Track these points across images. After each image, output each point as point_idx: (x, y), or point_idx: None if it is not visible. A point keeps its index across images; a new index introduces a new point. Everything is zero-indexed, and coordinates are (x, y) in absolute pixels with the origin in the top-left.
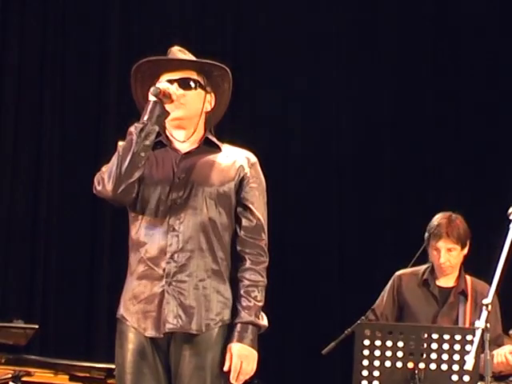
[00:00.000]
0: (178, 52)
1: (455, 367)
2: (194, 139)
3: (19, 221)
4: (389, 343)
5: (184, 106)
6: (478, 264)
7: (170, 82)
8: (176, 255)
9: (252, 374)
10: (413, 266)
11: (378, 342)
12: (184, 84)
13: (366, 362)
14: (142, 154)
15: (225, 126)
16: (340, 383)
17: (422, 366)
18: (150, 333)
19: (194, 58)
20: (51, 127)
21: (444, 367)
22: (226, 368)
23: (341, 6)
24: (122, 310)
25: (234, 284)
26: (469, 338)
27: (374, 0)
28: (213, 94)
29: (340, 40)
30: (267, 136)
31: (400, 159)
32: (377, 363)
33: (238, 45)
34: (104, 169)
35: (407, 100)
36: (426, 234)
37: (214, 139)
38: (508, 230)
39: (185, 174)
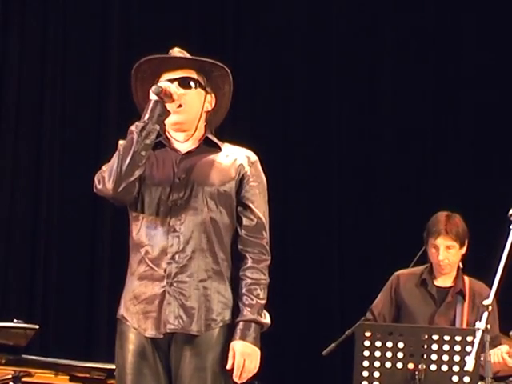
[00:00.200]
0: (178, 53)
1: (455, 368)
2: (194, 139)
3: (19, 221)
4: (389, 344)
5: (184, 108)
6: (478, 265)
7: (170, 81)
8: (177, 256)
9: (255, 372)
10: (413, 266)
11: (378, 343)
12: (184, 83)
13: (366, 363)
14: (143, 153)
15: (225, 127)
16: None
17: (422, 366)
18: (151, 333)
19: (194, 57)
20: (51, 127)
21: (444, 368)
22: (229, 366)
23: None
24: (122, 311)
25: (235, 284)
26: (469, 339)
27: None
28: (213, 95)
29: (340, 41)
30: (267, 135)
31: (400, 159)
32: (377, 364)
33: (238, 46)
34: (104, 167)
35: (407, 99)
36: (425, 232)
37: (214, 139)
38: (509, 231)
39: (185, 174)
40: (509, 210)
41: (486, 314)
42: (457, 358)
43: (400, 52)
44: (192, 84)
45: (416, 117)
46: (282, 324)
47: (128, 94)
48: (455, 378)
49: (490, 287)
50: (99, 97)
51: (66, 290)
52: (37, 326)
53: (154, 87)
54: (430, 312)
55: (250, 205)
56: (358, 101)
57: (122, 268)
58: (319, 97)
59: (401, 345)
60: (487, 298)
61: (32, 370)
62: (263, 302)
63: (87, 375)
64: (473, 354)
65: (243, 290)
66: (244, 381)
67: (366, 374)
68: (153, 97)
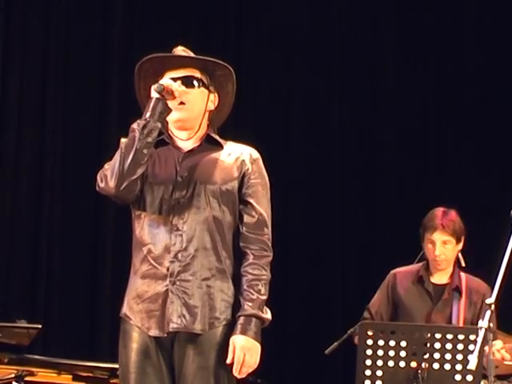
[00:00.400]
0: (181, 52)
1: (458, 367)
2: (197, 137)
3: (22, 220)
4: (392, 343)
5: (187, 107)
6: (480, 265)
7: (174, 79)
8: (180, 254)
9: (255, 367)
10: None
11: (380, 342)
12: (187, 82)
13: (368, 362)
14: (145, 151)
15: (227, 127)
16: (343, 383)
17: (425, 365)
18: (154, 332)
19: (197, 56)
20: (53, 127)
21: (447, 367)
22: (228, 360)
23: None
24: (125, 309)
25: (238, 281)
26: (472, 337)
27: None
28: (216, 95)
29: (341, 41)
30: (268, 135)
31: (401, 159)
32: (380, 363)
33: (239, 46)
34: (107, 166)
35: (406, 99)
36: (421, 228)
37: (217, 137)
38: (511, 230)
39: (187, 172)
40: (511, 209)
41: (488, 313)
42: (459, 357)
43: (400, 52)
44: (195, 83)
45: (416, 117)
46: (284, 322)
47: (130, 92)
48: (458, 377)
49: (493, 286)
50: (101, 96)
51: (68, 290)
52: (39, 326)
53: (155, 85)
54: (426, 309)
55: (251, 201)
56: (358, 100)
57: (124, 267)
58: (320, 96)
59: (403, 343)
60: (484, 294)
61: (35, 370)
62: (264, 297)
63: (90, 374)
64: (476, 353)
65: (244, 286)
66: (244, 376)
67: (368, 372)
68: (154, 94)
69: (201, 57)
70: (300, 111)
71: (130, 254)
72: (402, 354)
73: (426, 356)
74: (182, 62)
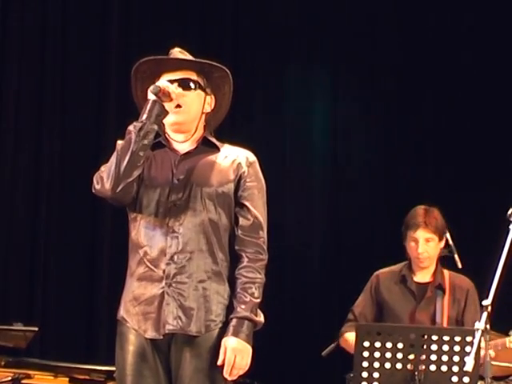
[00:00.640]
0: (178, 53)
1: (455, 368)
2: (193, 139)
3: (19, 222)
4: (388, 344)
5: (183, 109)
6: (478, 265)
7: (170, 82)
8: (176, 256)
9: (246, 369)
10: None
11: (377, 344)
12: (184, 84)
13: (365, 364)
14: (141, 154)
15: (224, 128)
16: None
17: (421, 367)
18: (150, 334)
19: (194, 59)
20: (51, 127)
21: (444, 368)
22: (219, 362)
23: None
24: (122, 312)
25: (234, 284)
26: (468, 339)
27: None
28: (213, 96)
29: (340, 40)
30: (265, 136)
31: (401, 159)
32: (376, 365)
33: (237, 46)
34: (103, 168)
35: (406, 98)
36: (403, 227)
37: (213, 139)
38: (508, 231)
39: (183, 175)
40: (508, 210)
41: (485, 315)
42: (456, 359)
43: (401, 52)
44: (192, 85)
45: (416, 116)
46: (281, 324)
47: (128, 93)
48: (455, 379)
49: (490, 287)
50: (99, 97)
51: (65, 292)
52: (36, 328)
53: (152, 87)
54: (410, 308)
55: (247, 204)
56: (358, 100)
57: (121, 269)
58: (319, 96)
59: (400, 345)
60: (468, 289)
61: (32, 372)
62: (258, 300)
63: (87, 377)
64: (472, 355)
65: (238, 289)
66: (235, 377)
67: (365, 374)
68: (151, 96)
69: (198, 59)
70: (297, 113)
71: (127, 257)
72: (399, 355)
73: (423, 358)
74: (179, 64)
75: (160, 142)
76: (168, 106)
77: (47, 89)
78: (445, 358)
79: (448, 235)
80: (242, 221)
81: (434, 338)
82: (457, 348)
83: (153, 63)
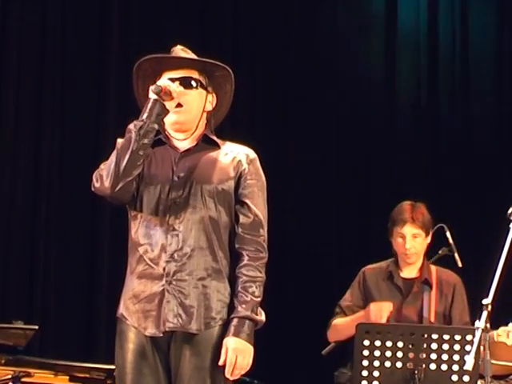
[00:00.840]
0: (180, 51)
1: (455, 367)
2: (194, 137)
3: (19, 220)
4: (388, 343)
5: (185, 109)
6: (478, 264)
7: (172, 80)
8: (176, 254)
9: (248, 368)
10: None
11: (377, 343)
12: (185, 83)
13: (365, 363)
14: (141, 153)
15: (224, 128)
16: None
17: (421, 366)
18: (150, 332)
19: (196, 57)
20: (51, 127)
21: (444, 367)
22: (221, 362)
23: None
24: (122, 309)
25: (233, 282)
26: (468, 338)
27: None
28: (214, 95)
29: (340, 40)
30: (266, 136)
31: (401, 159)
32: (376, 363)
33: (237, 45)
34: (102, 166)
35: (405, 98)
36: (389, 223)
37: (214, 137)
38: (508, 230)
39: (184, 172)
40: (508, 208)
41: (485, 313)
42: (456, 357)
43: (398, 52)
44: (193, 84)
45: (416, 116)
46: (281, 323)
47: (128, 92)
48: (455, 377)
49: (490, 286)
50: (99, 96)
51: (65, 291)
52: (36, 327)
53: (153, 86)
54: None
55: (247, 202)
56: (359, 100)
57: (121, 267)
58: (319, 96)
59: (400, 344)
60: (455, 284)
61: (31, 371)
62: (258, 299)
63: (87, 375)
64: (472, 353)
65: (239, 288)
66: (237, 377)
67: (365, 373)
68: (152, 96)
69: (199, 59)
70: (298, 112)
71: (127, 255)
72: (399, 354)
73: (423, 356)
74: (181, 63)
75: (160, 139)
76: (169, 104)
77: (46, 88)
78: (445, 356)
79: (448, 234)
80: (242, 219)
81: (434, 336)
82: (457, 347)
83: (154, 61)
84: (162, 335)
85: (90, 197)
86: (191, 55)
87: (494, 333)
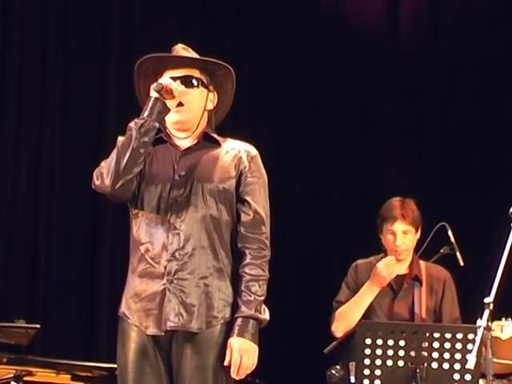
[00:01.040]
0: (181, 50)
1: (457, 366)
2: (195, 135)
3: (20, 220)
4: (390, 342)
5: (186, 108)
6: (480, 262)
7: (173, 79)
8: (177, 253)
9: (253, 367)
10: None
11: (379, 341)
12: (187, 82)
13: (367, 361)
14: (141, 151)
15: (225, 127)
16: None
17: (423, 364)
18: (152, 331)
19: (197, 56)
20: (52, 126)
21: (446, 366)
22: (226, 363)
23: None
24: (123, 308)
25: (236, 281)
26: (470, 336)
27: None
28: (215, 93)
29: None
30: (267, 135)
31: (401, 159)
32: (378, 362)
33: (238, 45)
34: (103, 164)
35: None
36: (379, 220)
37: (214, 135)
38: (510, 228)
39: (185, 171)
40: (510, 207)
41: (487, 312)
42: (458, 356)
43: (400, 53)
44: (194, 82)
45: (416, 116)
46: (283, 322)
47: (129, 94)
48: (456, 376)
49: (491, 285)
50: (99, 97)
51: (67, 289)
52: (38, 326)
53: (154, 84)
54: (388, 301)
55: (248, 199)
56: (359, 100)
57: (123, 266)
58: (319, 96)
59: (402, 343)
60: (445, 280)
61: (33, 369)
62: (262, 298)
63: (88, 374)
64: (474, 352)
65: (242, 287)
66: (242, 377)
67: (367, 372)
68: (153, 94)
69: (201, 57)
70: (299, 111)
71: (128, 254)
72: (401, 353)
73: (425, 355)
74: (182, 62)
75: (161, 138)
76: (170, 103)
77: (48, 87)
78: (446, 355)
79: (450, 232)
80: (243, 217)
81: (436, 335)
82: (459, 345)
83: (156, 60)
84: (163, 334)
85: (91, 196)
86: (192, 53)
87: None
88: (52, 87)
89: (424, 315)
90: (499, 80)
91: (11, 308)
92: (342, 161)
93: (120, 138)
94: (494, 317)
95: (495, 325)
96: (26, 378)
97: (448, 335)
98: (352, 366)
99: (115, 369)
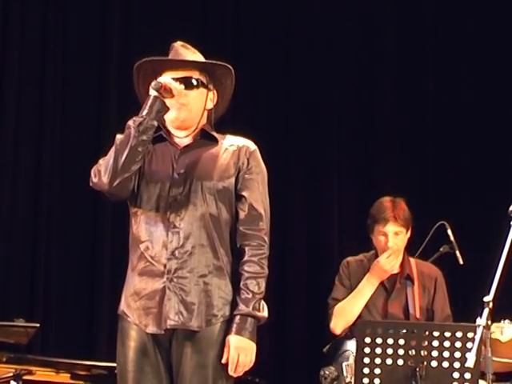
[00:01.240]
0: (180, 48)
1: (456, 364)
2: (194, 134)
3: (20, 220)
4: (390, 341)
5: (186, 107)
6: (479, 261)
7: (173, 80)
8: (177, 251)
9: (251, 365)
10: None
11: (379, 340)
12: (186, 83)
13: (367, 360)
14: (140, 149)
15: (225, 125)
16: None
17: (423, 363)
18: (152, 329)
19: (197, 55)
20: (52, 126)
21: (445, 364)
22: (223, 360)
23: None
24: (123, 306)
25: (236, 279)
26: (470, 335)
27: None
28: (215, 91)
29: (340, 38)
30: (267, 134)
31: (401, 159)
32: (378, 361)
33: (238, 44)
34: (101, 161)
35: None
36: (370, 220)
37: (213, 132)
38: (509, 227)
39: (184, 169)
40: (509, 206)
41: (486, 311)
42: (458, 355)
43: (400, 53)
44: (194, 83)
45: (416, 116)
46: (283, 321)
47: (129, 91)
48: (456, 375)
49: (491, 283)
50: (99, 97)
51: (66, 288)
52: (37, 325)
53: (153, 83)
54: (382, 300)
55: (245, 195)
56: (359, 100)
57: (122, 265)
58: (319, 95)
59: (401, 341)
60: (436, 277)
61: (33, 368)
62: (260, 295)
63: (88, 373)
64: (474, 351)
65: (241, 284)
66: (240, 374)
67: (366, 370)
68: (152, 92)
69: (200, 60)
70: (299, 111)
71: (128, 254)
72: (400, 351)
73: (425, 353)
74: (182, 63)
75: (161, 136)
76: (169, 102)
77: (47, 85)
78: (446, 354)
79: (449, 231)
80: (242, 213)
81: (436, 334)
82: (458, 344)
83: (155, 62)
84: (163, 332)
85: (91, 196)
86: (192, 50)
87: None
88: (52, 87)
89: (418, 315)
90: (499, 80)
91: (11, 307)
92: (341, 161)
93: (118, 136)
94: (494, 317)
95: (495, 327)
96: (25, 377)
97: (447, 334)
98: (345, 366)
99: (115, 367)
